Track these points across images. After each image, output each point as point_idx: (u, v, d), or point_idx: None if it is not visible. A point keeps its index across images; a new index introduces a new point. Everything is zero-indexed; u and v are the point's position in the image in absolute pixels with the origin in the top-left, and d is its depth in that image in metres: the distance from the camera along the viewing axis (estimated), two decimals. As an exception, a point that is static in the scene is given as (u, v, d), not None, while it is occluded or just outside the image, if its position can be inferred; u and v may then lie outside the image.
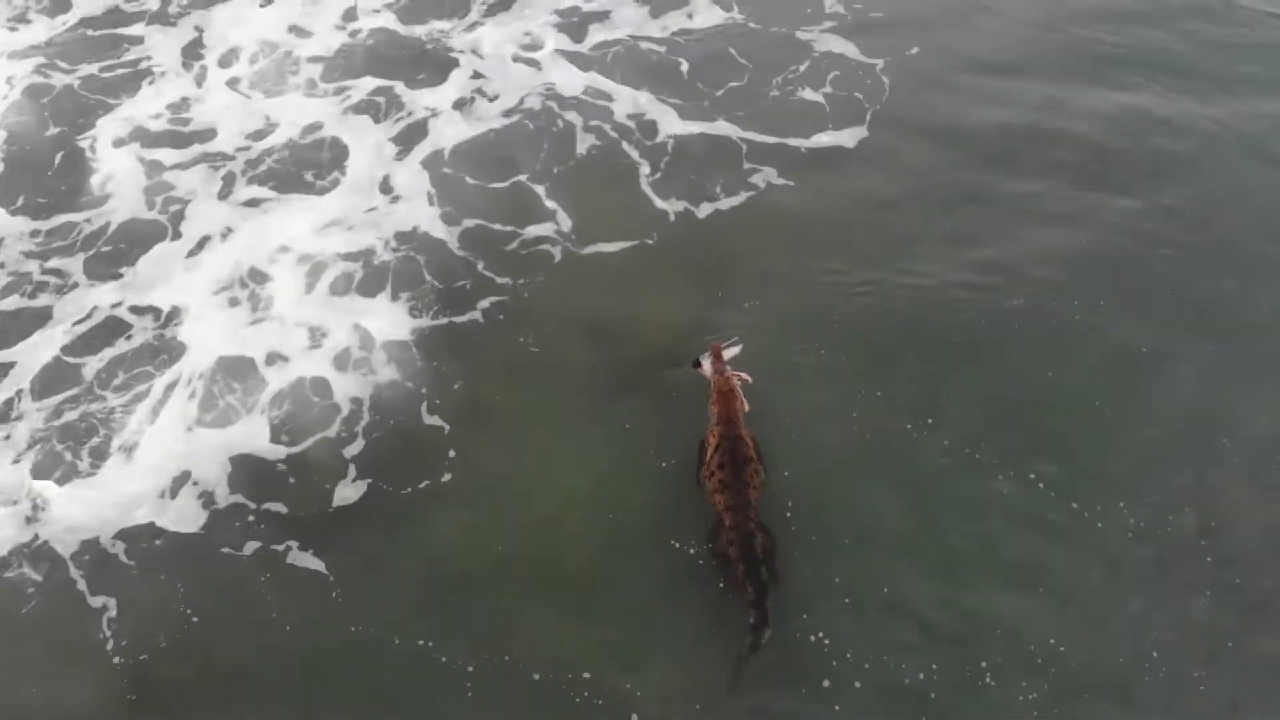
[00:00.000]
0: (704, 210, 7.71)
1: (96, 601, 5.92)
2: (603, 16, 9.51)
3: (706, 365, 6.26)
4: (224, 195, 8.21)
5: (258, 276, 7.65)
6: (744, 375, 6.16)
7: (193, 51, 9.46)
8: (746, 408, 6.02)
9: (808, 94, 8.58)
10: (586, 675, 5.39)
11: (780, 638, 5.41)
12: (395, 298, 7.40)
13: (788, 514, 5.94)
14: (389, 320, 7.28)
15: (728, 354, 6.29)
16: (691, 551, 5.84)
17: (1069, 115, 8.23)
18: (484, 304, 7.25)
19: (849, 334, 6.81)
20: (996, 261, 7.19)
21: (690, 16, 9.44)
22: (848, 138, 8.17)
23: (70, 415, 6.80)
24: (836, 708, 5.21)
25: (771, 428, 6.22)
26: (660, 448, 6.30)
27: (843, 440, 6.28)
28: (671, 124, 8.40)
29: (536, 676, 5.43)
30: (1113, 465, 6.10)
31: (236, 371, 7.05)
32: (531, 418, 6.58)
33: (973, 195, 7.67)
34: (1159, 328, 6.74)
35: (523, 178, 8.09)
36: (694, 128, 8.37)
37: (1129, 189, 7.62)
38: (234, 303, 7.50)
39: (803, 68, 8.82)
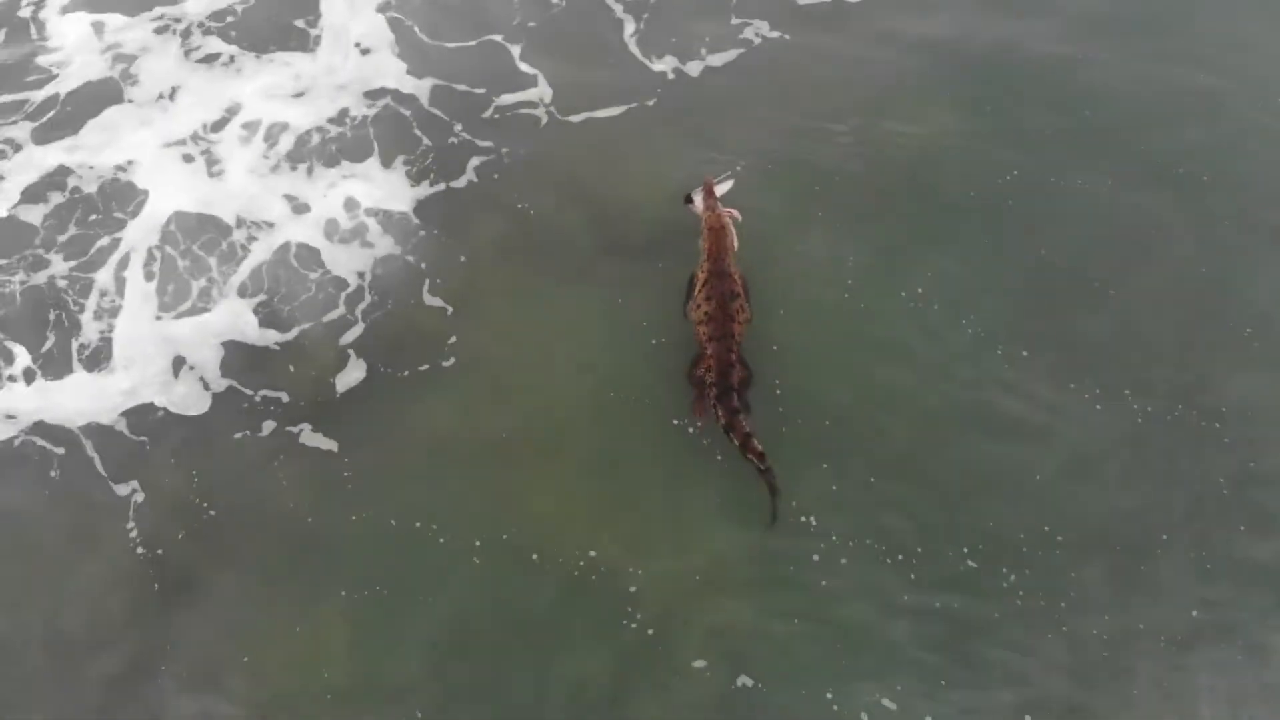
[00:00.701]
0: (693, 68, 7.44)
1: (115, 488, 6.04)
2: None
3: (698, 201, 6.27)
4: (182, 54, 7.89)
5: (222, 136, 7.48)
6: (734, 212, 6.21)
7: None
8: (736, 244, 6.12)
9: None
10: (592, 554, 5.58)
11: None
12: (379, 162, 7.28)
13: (777, 391, 6.01)
14: (370, 187, 7.16)
15: (720, 189, 6.31)
16: (691, 431, 5.94)
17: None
18: (473, 167, 7.13)
19: (845, 191, 6.74)
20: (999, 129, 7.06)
21: None
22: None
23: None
24: (823, 583, 5.43)
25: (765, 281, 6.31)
26: (655, 323, 6.32)
27: (834, 304, 6.32)
28: None
29: (535, 556, 5.60)
30: (1113, 344, 6.12)
31: (209, 243, 6.98)
32: (529, 295, 6.55)
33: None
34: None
35: (497, 37, 7.72)
36: None
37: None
38: (192, 158, 7.37)
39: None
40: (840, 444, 5.82)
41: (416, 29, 7.87)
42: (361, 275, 6.79)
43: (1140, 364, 5.99)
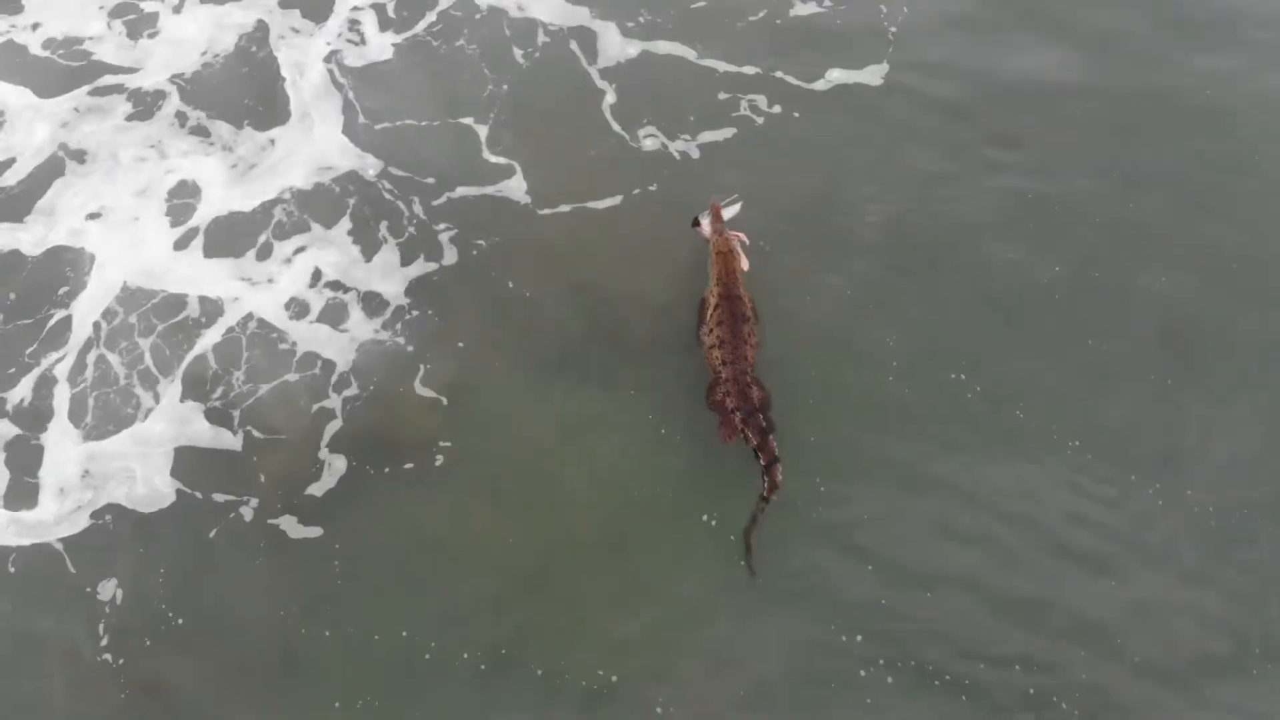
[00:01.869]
0: (682, 145, 7.07)
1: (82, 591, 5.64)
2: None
3: (705, 224, 6.22)
4: (129, 129, 7.32)
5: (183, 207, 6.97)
6: (741, 235, 6.17)
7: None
8: (745, 266, 6.04)
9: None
10: (612, 679, 5.18)
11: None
12: (349, 241, 6.79)
13: (821, 488, 5.72)
14: (345, 267, 6.70)
15: (727, 213, 6.23)
16: (713, 524, 5.60)
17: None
18: (456, 251, 6.68)
19: (875, 276, 6.42)
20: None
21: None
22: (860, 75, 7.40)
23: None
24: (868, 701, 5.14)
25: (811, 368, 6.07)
26: (662, 416, 5.94)
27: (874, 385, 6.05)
28: (624, 46, 7.56)
29: (540, 672, 5.22)
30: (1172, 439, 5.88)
31: (168, 331, 6.47)
32: (523, 388, 6.11)
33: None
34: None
35: (468, 120, 7.24)
36: (660, 49, 7.57)
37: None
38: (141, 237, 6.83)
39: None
40: (881, 551, 5.53)
41: (377, 105, 7.37)
42: (339, 362, 6.31)
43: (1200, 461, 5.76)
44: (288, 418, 6.11)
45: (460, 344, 6.28)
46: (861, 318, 6.19)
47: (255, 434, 6.06)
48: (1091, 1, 7.58)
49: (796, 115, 7.06)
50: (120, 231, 6.86)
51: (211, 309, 6.53)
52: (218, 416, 6.13)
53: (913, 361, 6.02)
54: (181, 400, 6.18)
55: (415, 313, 6.45)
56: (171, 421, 6.12)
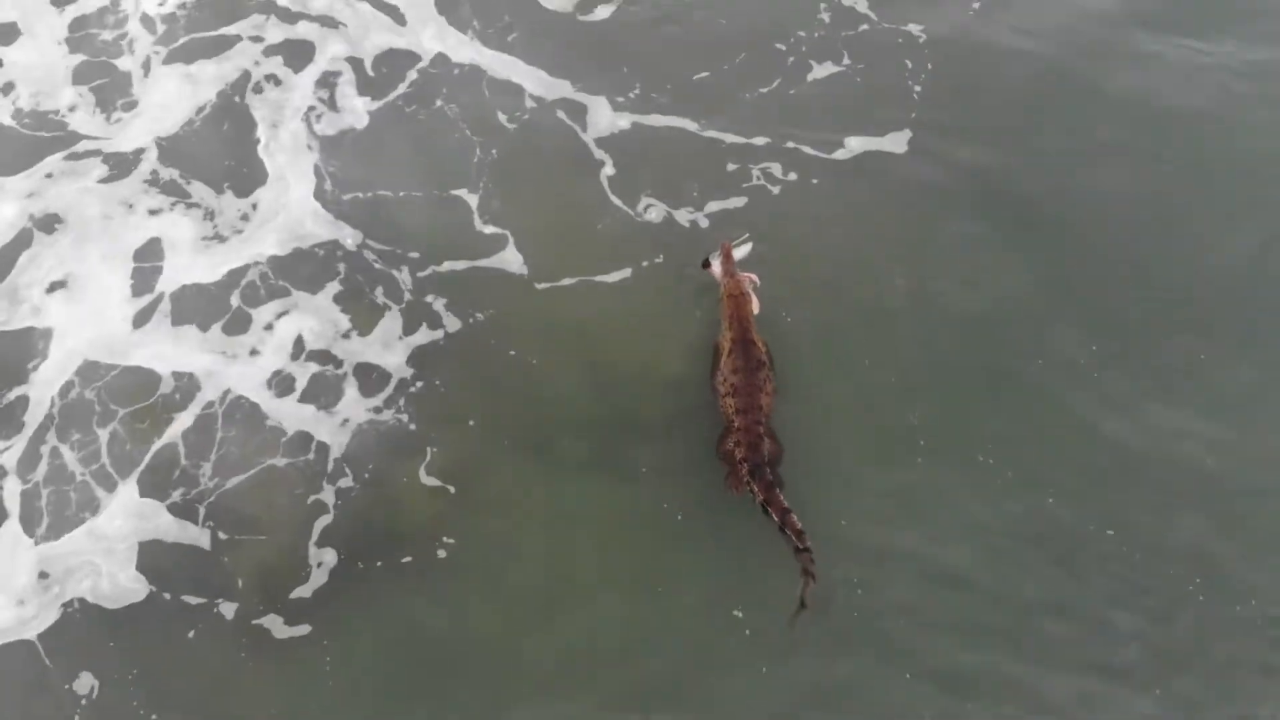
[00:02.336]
0: (686, 216, 6.75)
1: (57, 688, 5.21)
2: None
3: (716, 266, 6.07)
4: (101, 190, 6.92)
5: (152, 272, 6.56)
6: (753, 277, 6.02)
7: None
8: (757, 309, 5.88)
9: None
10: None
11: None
12: (333, 313, 6.39)
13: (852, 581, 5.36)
14: (328, 334, 6.30)
15: (738, 253, 6.11)
16: (738, 614, 5.23)
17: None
18: (457, 326, 6.28)
19: (899, 353, 6.09)
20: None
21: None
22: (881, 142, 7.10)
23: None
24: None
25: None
26: (679, 503, 5.56)
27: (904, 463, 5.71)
28: (615, 119, 7.24)
29: None
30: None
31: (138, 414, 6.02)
32: (528, 478, 5.71)
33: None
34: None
35: (465, 197, 6.86)
36: (656, 121, 7.25)
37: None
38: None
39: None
40: (919, 651, 5.18)
41: (358, 171, 6.99)
42: (331, 444, 5.88)
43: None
44: (272, 510, 5.65)
45: (471, 422, 5.88)
46: (886, 395, 5.87)
47: (234, 529, 5.60)
48: (1126, 62, 7.35)
49: (815, 182, 6.76)
50: (85, 302, 6.44)
51: (184, 386, 6.08)
52: (188, 510, 5.67)
53: (940, 442, 5.71)
54: (142, 495, 5.72)
55: (416, 386, 6.04)
56: (136, 517, 5.65)
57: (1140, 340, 6.08)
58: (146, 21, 7.70)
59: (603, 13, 7.63)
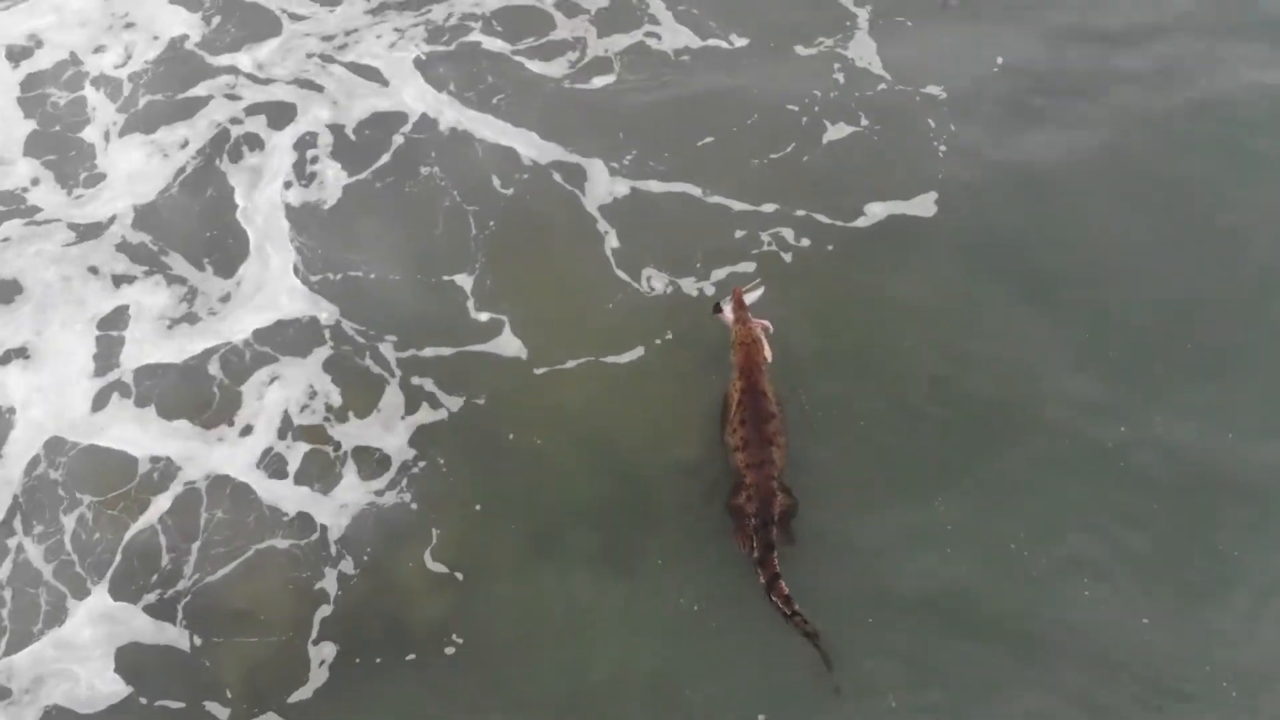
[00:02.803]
0: (691, 284, 6.53)
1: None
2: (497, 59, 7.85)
3: (728, 311, 5.92)
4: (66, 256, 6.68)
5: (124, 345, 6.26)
6: (765, 323, 5.86)
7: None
8: (769, 357, 5.69)
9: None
10: None
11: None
12: (335, 391, 6.11)
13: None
14: (319, 411, 6.04)
15: (750, 298, 5.94)
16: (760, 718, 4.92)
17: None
18: (460, 406, 6.02)
19: (920, 438, 5.82)
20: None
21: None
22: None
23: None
24: None
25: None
26: (699, 598, 5.28)
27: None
28: (612, 185, 7.01)
29: None
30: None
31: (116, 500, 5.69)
32: (540, 559, 5.45)
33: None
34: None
35: (457, 277, 6.58)
36: (654, 188, 7.02)
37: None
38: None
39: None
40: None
41: (343, 245, 6.76)
42: (330, 527, 5.59)
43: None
44: (265, 601, 5.33)
45: (477, 507, 5.61)
46: (911, 484, 5.60)
47: (224, 622, 5.28)
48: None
49: (830, 248, 6.55)
50: (49, 378, 6.17)
51: (162, 468, 5.78)
52: (166, 609, 5.33)
53: (968, 532, 5.45)
54: (115, 598, 5.38)
55: (418, 467, 5.77)
56: (109, 621, 5.31)
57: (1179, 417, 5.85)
58: (106, 83, 7.52)
59: (599, 82, 7.49)
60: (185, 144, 7.21)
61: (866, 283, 6.44)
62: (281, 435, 5.93)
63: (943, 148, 7.02)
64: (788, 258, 6.53)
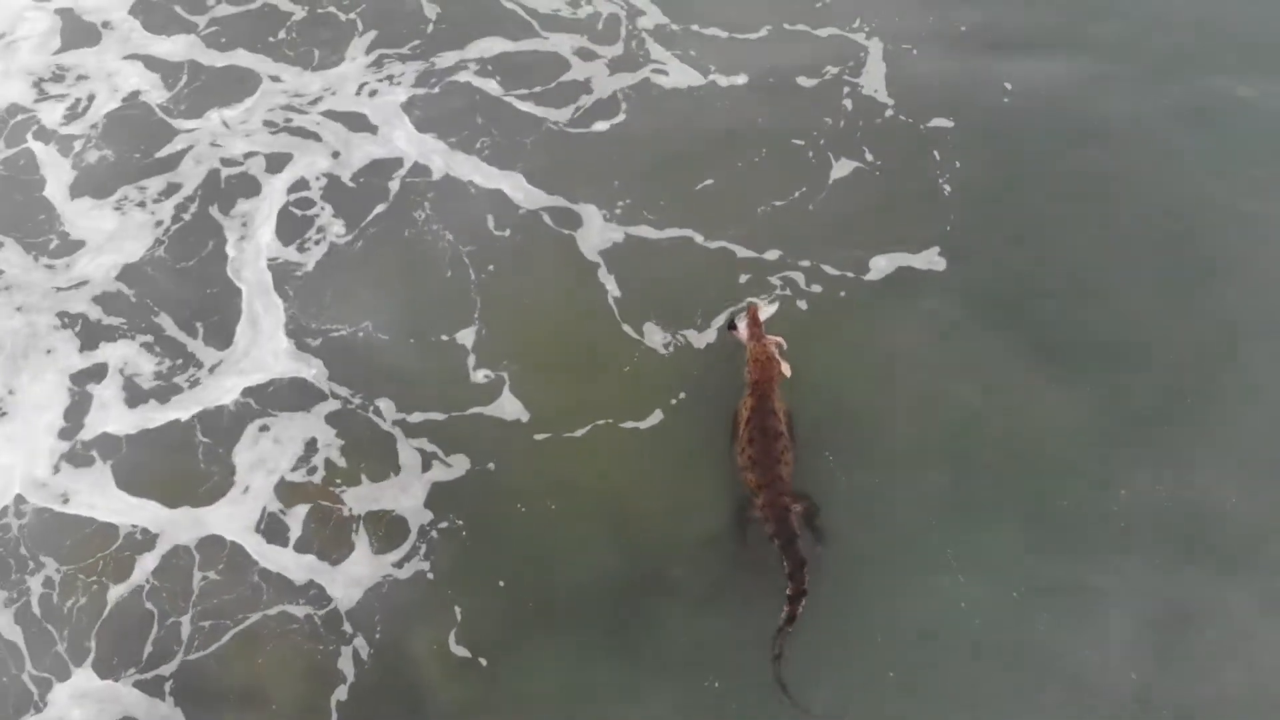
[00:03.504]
0: (701, 339, 6.37)
1: None
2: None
3: (742, 328, 5.91)
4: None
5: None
6: (780, 340, 5.84)
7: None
8: (787, 373, 5.70)
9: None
10: None
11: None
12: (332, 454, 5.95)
13: None
14: (316, 474, 5.91)
15: (764, 314, 5.94)
16: None
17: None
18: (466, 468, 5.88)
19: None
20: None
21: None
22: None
23: None
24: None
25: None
26: (720, 672, 5.19)
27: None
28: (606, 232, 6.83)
29: None
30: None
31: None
32: (559, 643, 5.32)
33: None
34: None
35: (455, 336, 6.39)
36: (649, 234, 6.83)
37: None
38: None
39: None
40: None
41: (338, 306, 6.56)
42: (339, 600, 5.45)
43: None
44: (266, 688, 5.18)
45: (501, 583, 5.49)
46: (926, 547, 5.53)
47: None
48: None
49: (843, 295, 6.42)
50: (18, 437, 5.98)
51: (144, 538, 5.60)
52: (155, 685, 5.18)
53: (987, 599, 5.38)
54: (100, 674, 5.22)
55: (438, 532, 5.63)
56: (95, 698, 5.15)
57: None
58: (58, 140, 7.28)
59: (601, 126, 7.30)
60: (162, 199, 6.97)
61: (878, 333, 6.34)
62: (281, 498, 5.78)
63: (948, 188, 6.91)
64: (802, 304, 6.42)
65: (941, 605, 5.35)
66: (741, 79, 7.51)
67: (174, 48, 7.80)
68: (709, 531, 5.59)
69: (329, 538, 5.65)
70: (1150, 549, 5.51)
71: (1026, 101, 7.29)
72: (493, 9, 7.98)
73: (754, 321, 5.84)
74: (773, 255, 6.62)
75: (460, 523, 5.69)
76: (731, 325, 6.00)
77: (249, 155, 7.20)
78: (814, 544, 5.31)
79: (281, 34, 7.85)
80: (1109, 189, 6.88)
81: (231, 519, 5.70)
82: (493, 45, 7.77)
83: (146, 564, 5.53)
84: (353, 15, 7.95)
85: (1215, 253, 6.57)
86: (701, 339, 6.32)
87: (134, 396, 6.14)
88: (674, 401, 6.03)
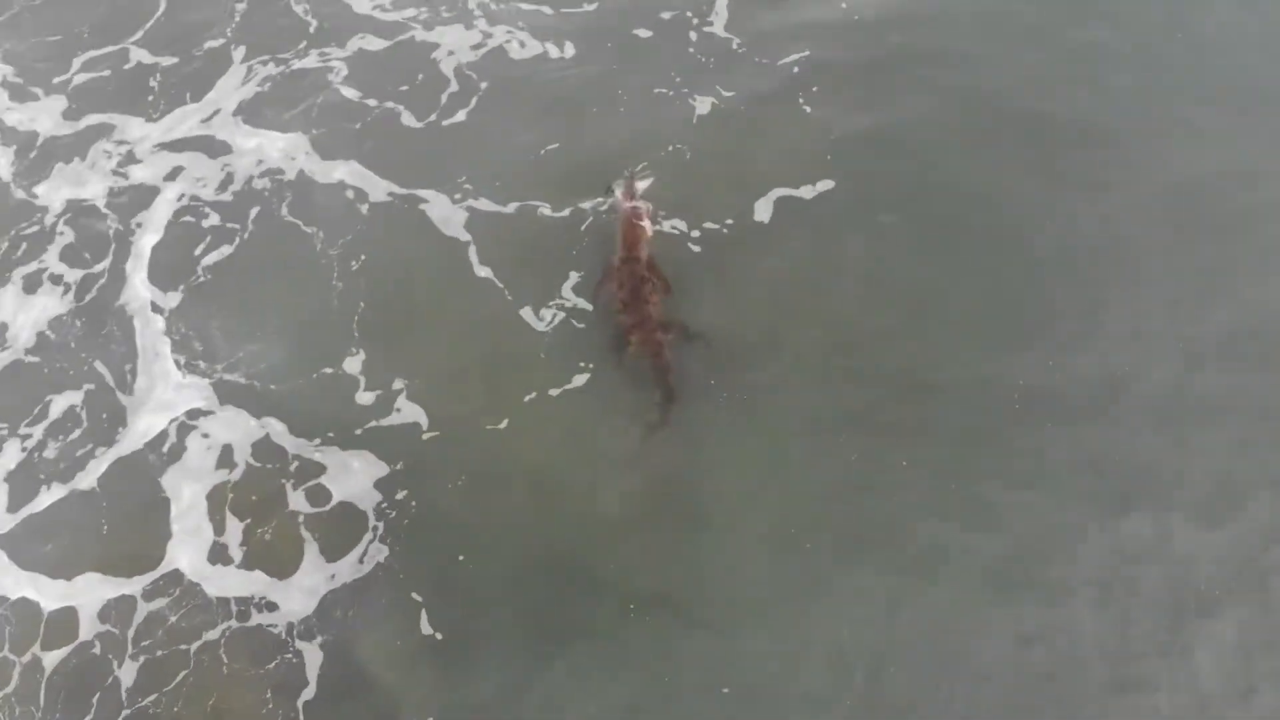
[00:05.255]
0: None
1: None
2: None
3: (619, 192, 6.56)
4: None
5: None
6: (648, 204, 6.45)
7: None
8: (650, 232, 6.32)
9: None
10: None
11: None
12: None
13: None
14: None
15: (639, 182, 6.60)
16: None
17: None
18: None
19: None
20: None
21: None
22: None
23: None
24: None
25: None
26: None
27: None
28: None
29: None
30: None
31: None
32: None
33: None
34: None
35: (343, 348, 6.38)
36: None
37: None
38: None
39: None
40: None
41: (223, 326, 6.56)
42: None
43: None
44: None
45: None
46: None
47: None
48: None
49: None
50: None
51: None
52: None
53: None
54: None
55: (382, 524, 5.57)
56: None
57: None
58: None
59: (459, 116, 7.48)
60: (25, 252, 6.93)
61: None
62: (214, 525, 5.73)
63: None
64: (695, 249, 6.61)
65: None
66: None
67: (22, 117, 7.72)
68: (626, 491, 5.66)
69: (268, 554, 5.61)
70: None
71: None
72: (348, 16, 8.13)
73: (628, 185, 6.53)
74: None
75: (394, 515, 5.71)
76: (609, 191, 6.63)
77: (113, 199, 7.15)
78: (705, 346, 5.97)
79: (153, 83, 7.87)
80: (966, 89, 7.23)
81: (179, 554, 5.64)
82: (350, 45, 7.93)
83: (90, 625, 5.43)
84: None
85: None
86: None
87: (46, 459, 6.08)
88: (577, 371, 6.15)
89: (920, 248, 6.44)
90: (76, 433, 6.15)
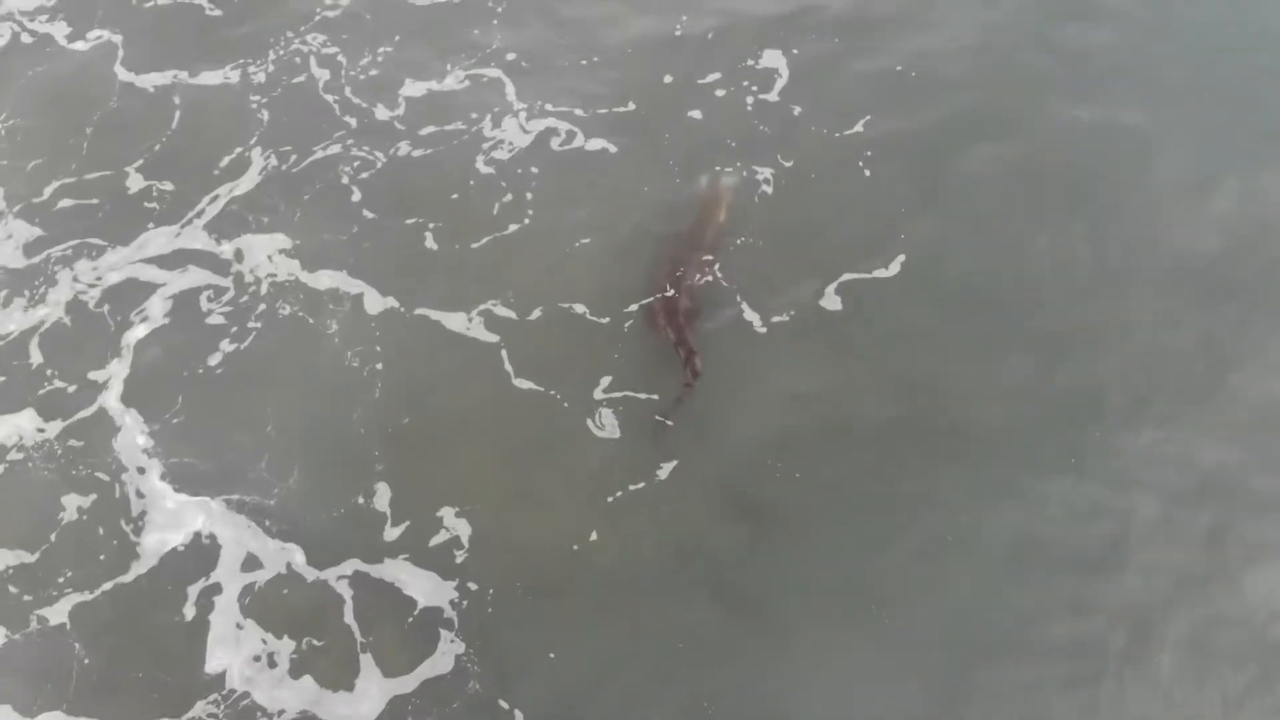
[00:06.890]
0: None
1: None
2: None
3: (705, 184, 7.03)
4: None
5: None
6: (730, 191, 6.90)
7: None
8: (723, 219, 6.73)
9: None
10: None
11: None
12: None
13: None
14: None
15: (726, 180, 7.03)
16: None
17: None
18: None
19: None
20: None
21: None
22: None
23: None
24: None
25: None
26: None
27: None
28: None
29: None
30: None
31: None
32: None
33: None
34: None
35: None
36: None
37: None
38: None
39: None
40: None
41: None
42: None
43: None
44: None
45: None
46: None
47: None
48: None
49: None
50: None
51: None
52: None
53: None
54: None
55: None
56: None
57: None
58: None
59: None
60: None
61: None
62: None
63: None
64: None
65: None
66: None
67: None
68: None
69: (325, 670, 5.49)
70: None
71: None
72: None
73: (715, 178, 6.99)
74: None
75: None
76: (702, 182, 7.05)
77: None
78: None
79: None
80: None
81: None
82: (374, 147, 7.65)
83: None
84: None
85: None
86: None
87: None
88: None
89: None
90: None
